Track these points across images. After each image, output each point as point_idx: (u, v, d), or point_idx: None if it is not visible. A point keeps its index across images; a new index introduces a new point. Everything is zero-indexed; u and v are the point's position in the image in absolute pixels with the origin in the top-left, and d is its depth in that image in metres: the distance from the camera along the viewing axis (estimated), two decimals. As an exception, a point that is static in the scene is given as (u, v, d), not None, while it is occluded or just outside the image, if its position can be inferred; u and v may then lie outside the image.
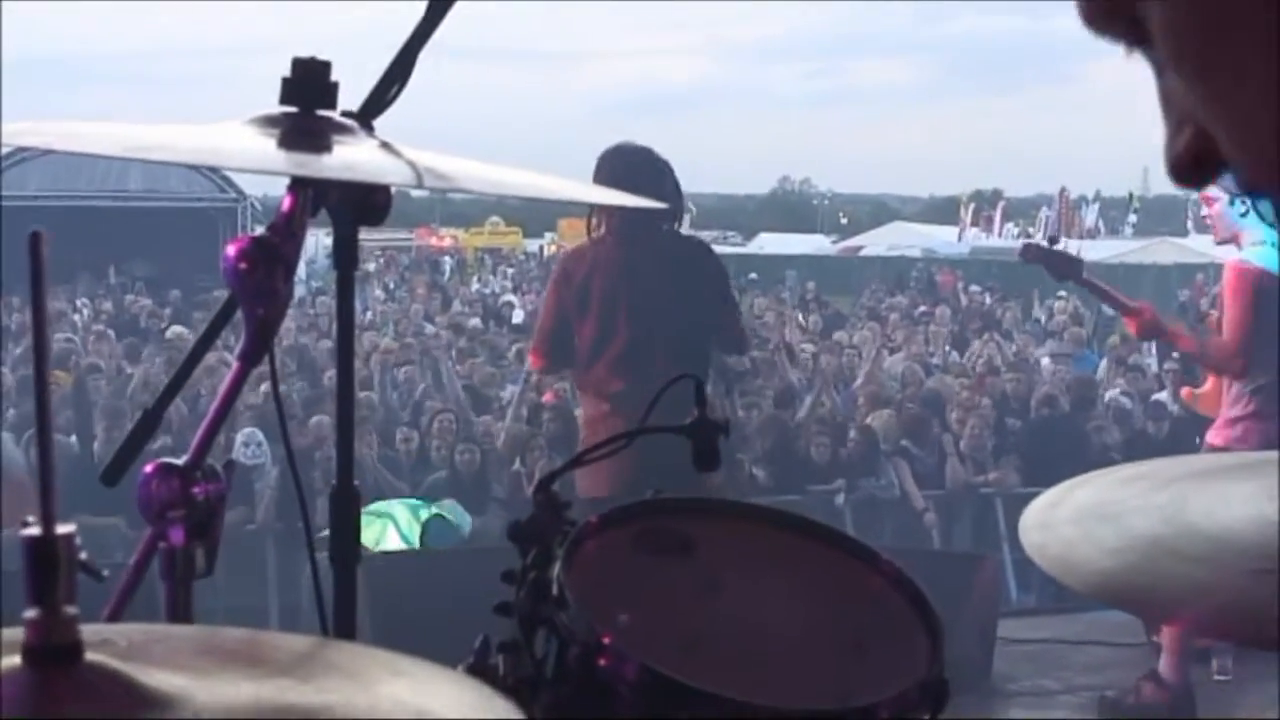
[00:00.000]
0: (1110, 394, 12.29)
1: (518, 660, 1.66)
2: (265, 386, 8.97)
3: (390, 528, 8.36)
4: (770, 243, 50.36)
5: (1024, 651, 6.80)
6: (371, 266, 28.41)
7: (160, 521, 1.58)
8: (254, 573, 8.68)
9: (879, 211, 76.27)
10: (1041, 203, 45.15)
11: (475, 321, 18.41)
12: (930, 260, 36.14)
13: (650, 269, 5.30)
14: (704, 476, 2.00)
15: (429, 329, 17.13)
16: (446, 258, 38.81)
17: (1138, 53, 0.65)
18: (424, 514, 8.57)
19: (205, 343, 2.06)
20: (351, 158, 1.65)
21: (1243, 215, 5.64)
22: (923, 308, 21.92)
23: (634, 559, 1.75)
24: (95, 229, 21.58)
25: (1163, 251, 34.78)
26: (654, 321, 5.20)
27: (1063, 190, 41.77)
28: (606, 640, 1.56)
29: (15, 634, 0.93)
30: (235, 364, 1.66)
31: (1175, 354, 10.72)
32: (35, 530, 0.93)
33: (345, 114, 1.76)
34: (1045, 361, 14.86)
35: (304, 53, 1.71)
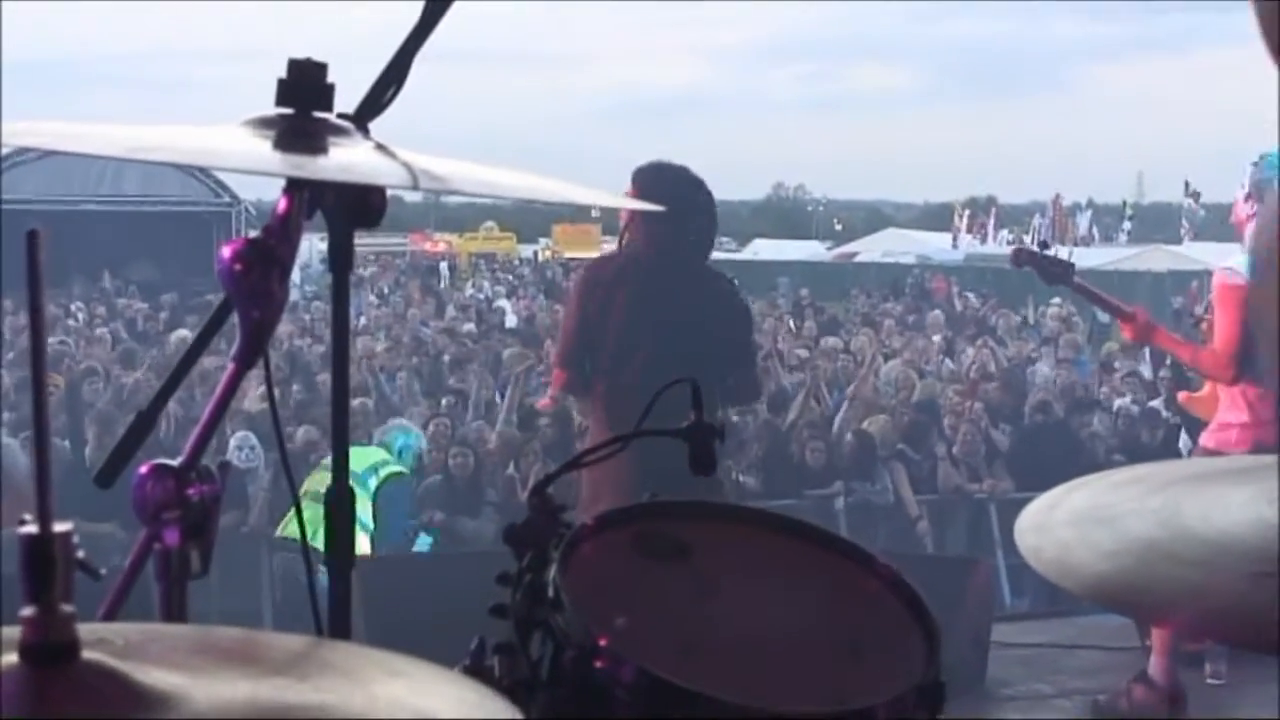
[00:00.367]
0: (1104, 398, 12.30)
1: (513, 662, 1.65)
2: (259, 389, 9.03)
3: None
4: (765, 249, 50.44)
5: (1018, 656, 6.81)
6: (365, 271, 28.42)
7: (155, 522, 1.57)
8: (248, 576, 8.67)
9: (873, 218, 76.41)
10: (1036, 210, 45.26)
11: (469, 326, 18.40)
12: (925, 267, 36.19)
13: (678, 294, 5.08)
14: (695, 481, 1.98)
15: (423, 333, 17.13)
16: (443, 263, 38.82)
17: None
18: (373, 482, 8.45)
19: (200, 345, 2.06)
20: (347, 159, 1.65)
21: None
22: (917, 314, 21.95)
23: (630, 562, 1.75)
24: (90, 233, 21.56)
25: (1157, 258, 34.85)
26: (673, 347, 4.86)
27: (1056, 197, 41.89)
28: (603, 643, 1.56)
29: (12, 632, 0.93)
30: (230, 366, 1.66)
31: (1169, 360, 10.75)
32: (32, 529, 0.93)
33: (341, 116, 1.76)
34: (1039, 367, 14.89)
35: (300, 56, 1.71)
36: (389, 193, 1.92)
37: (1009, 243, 39.26)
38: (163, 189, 24.80)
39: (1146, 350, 15.28)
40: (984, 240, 42.42)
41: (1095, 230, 42.58)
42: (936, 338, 17.30)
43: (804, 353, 15.20)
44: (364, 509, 8.10)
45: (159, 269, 25.09)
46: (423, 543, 8.79)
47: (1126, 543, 1.56)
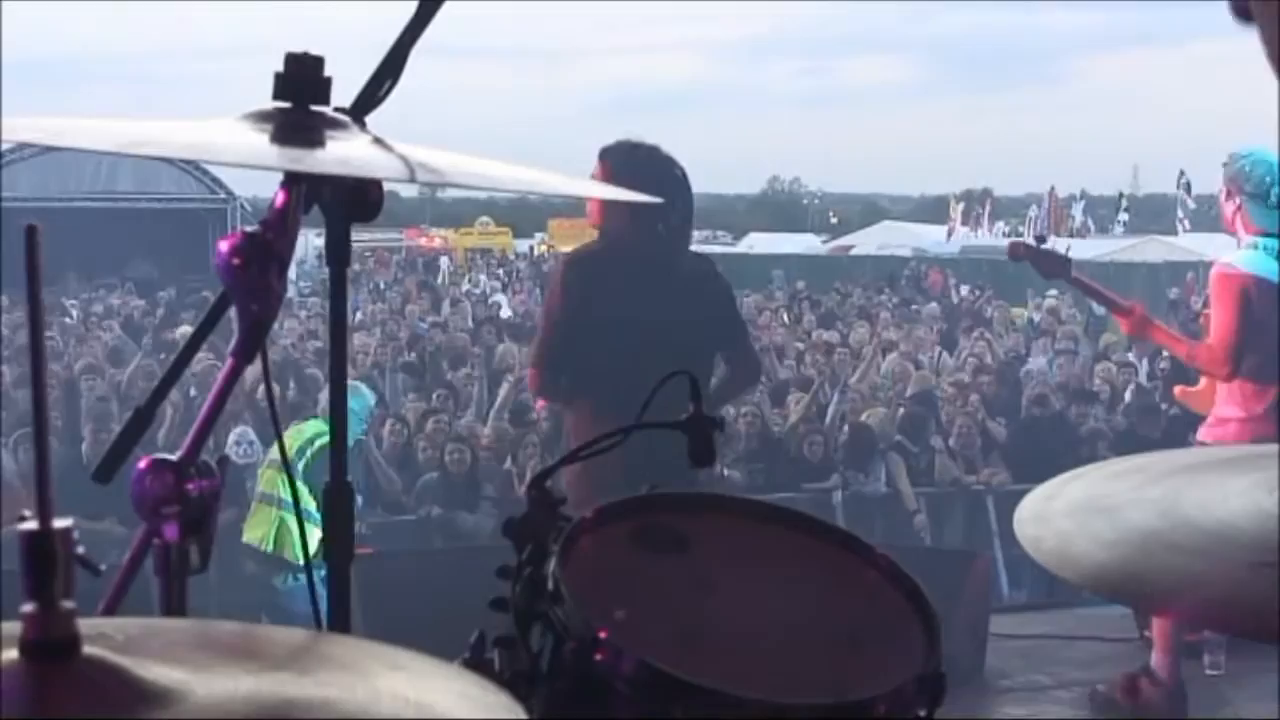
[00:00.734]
0: (1101, 390, 12.30)
1: (513, 655, 1.65)
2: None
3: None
4: (760, 242, 50.42)
5: (1016, 647, 6.82)
6: (357, 266, 28.39)
7: (154, 518, 1.57)
8: (245, 572, 8.67)
9: (869, 211, 76.41)
10: (1031, 202, 45.28)
11: (465, 321, 18.39)
12: (920, 259, 36.20)
13: (664, 282, 4.85)
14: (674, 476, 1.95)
15: (419, 328, 17.12)
16: (444, 258, 38.81)
17: None
18: (302, 465, 8.12)
19: (197, 341, 2.05)
20: (345, 153, 1.65)
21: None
22: (913, 306, 21.97)
23: (629, 554, 1.74)
24: (85, 230, 21.55)
25: (1153, 250, 34.88)
26: (663, 336, 4.62)
27: (1052, 189, 41.89)
28: (603, 635, 1.56)
29: (13, 628, 0.93)
30: (229, 361, 1.65)
31: (1167, 353, 10.75)
32: (32, 525, 0.92)
33: (338, 110, 1.76)
34: (1036, 359, 14.90)
35: (319, 51, 1.70)
36: (385, 187, 1.92)
37: (1005, 235, 39.31)
38: (158, 185, 24.82)
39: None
40: (979, 232, 42.45)
41: (1090, 222, 42.61)
42: (933, 330, 17.31)
43: (800, 345, 15.22)
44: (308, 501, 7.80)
45: (155, 265, 25.09)
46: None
47: (1126, 533, 1.56)
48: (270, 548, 8.43)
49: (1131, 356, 13.90)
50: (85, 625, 0.96)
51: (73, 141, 1.52)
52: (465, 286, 28.74)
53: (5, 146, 21.36)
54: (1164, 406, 11.39)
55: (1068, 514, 1.64)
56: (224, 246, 1.61)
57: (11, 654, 0.92)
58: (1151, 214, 54.55)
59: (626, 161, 4.89)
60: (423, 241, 50.29)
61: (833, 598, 1.77)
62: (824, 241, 50.53)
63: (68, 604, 0.93)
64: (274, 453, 8.40)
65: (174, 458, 1.60)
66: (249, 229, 1.63)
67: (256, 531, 8.55)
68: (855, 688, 1.59)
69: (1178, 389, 6.84)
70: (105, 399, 10.66)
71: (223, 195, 25.09)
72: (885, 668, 1.62)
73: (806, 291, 25.51)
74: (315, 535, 2.09)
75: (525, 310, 21.49)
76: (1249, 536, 1.49)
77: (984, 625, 6.64)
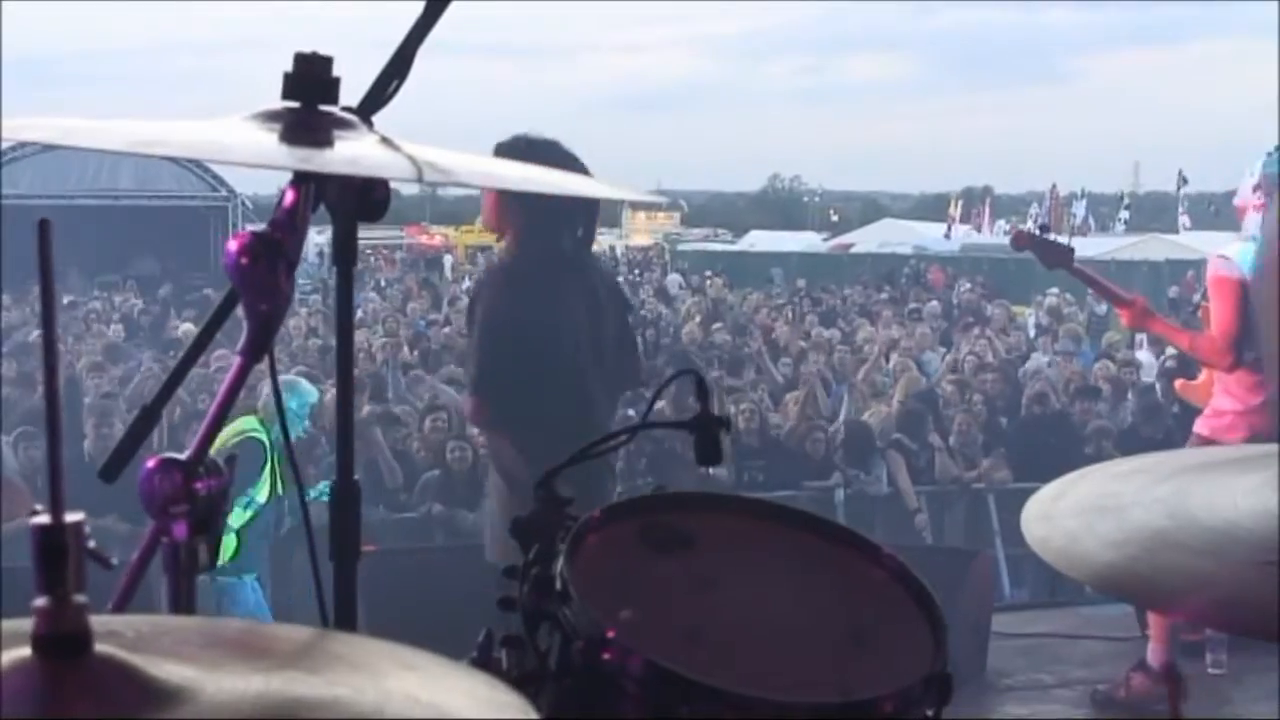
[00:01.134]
0: (1104, 388, 12.28)
1: (521, 655, 1.66)
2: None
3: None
4: (761, 240, 50.42)
5: (1018, 646, 6.82)
6: (359, 265, 28.38)
7: (163, 516, 1.57)
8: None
9: (869, 209, 76.45)
10: (1032, 200, 45.28)
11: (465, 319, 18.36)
12: (921, 257, 36.21)
13: (575, 295, 4.57)
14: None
15: (419, 326, 17.13)
16: (448, 256, 38.81)
17: None
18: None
19: (204, 339, 2.05)
20: (353, 152, 1.65)
21: None
22: (914, 304, 21.96)
23: (637, 554, 1.75)
24: (86, 227, 21.52)
25: (1154, 248, 34.88)
26: (576, 353, 4.52)
27: (1053, 187, 41.90)
28: (610, 634, 1.56)
29: (25, 624, 0.93)
30: (237, 360, 1.65)
31: (1171, 350, 10.75)
32: (44, 519, 0.92)
33: (345, 109, 1.76)
34: (1037, 356, 14.89)
35: (298, 50, 1.70)
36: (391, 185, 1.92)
37: (1005, 233, 39.21)
38: (159, 183, 24.79)
39: (1146, 339, 15.29)
40: (981, 230, 42.46)
41: (1091, 220, 42.60)
42: (933, 328, 17.31)
43: (803, 343, 15.22)
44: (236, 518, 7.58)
45: (156, 263, 25.08)
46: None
47: (1132, 532, 1.56)
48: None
49: (1140, 355, 13.89)
50: (96, 622, 0.96)
51: (81, 141, 1.52)
52: (466, 284, 28.73)
53: (6, 144, 21.35)
54: (1165, 403, 11.40)
55: (1075, 513, 1.65)
56: (233, 245, 1.61)
57: (23, 649, 0.92)
58: (1152, 211, 54.54)
59: (523, 159, 4.08)
60: (423, 239, 50.30)
61: (839, 597, 1.77)
62: (825, 239, 50.53)
63: (80, 598, 0.93)
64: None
65: (182, 457, 1.60)
66: (258, 228, 1.63)
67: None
68: (862, 687, 1.59)
69: (1178, 383, 6.85)
70: (108, 396, 10.66)
71: (224, 193, 25.07)
72: (892, 667, 1.62)
73: (807, 289, 25.52)
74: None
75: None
76: (1255, 536, 1.50)
77: (986, 624, 6.64)
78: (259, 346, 1.65)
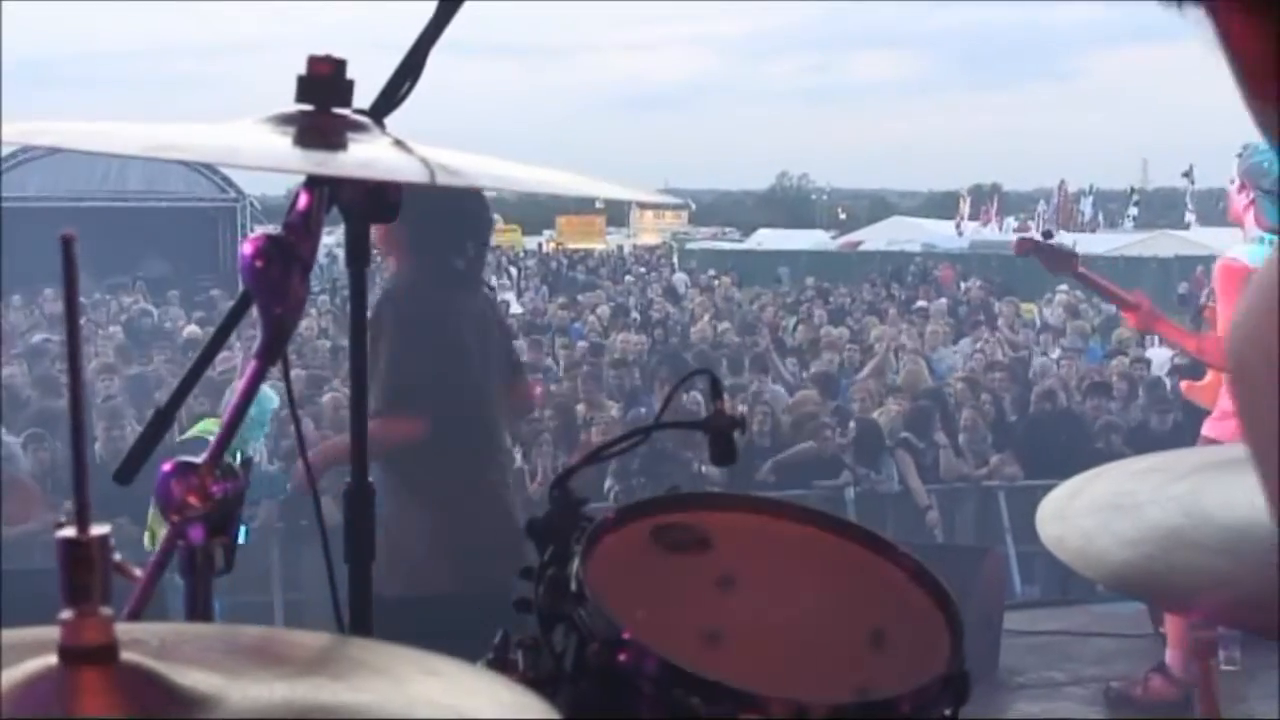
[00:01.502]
0: (1115, 385, 12.27)
1: (537, 656, 1.66)
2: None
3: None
4: (769, 239, 50.41)
5: (1029, 644, 6.82)
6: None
7: (180, 520, 1.58)
8: (258, 571, 8.69)
9: (878, 207, 76.47)
10: (1041, 196, 45.25)
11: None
12: (930, 255, 36.18)
13: (462, 313, 4.45)
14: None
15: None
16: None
17: None
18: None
19: (217, 342, 2.06)
20: (367, 155, 1.65)
21: None
22: (922, 302, 21.95)
23: (652, 554, 1.75)
24: (95, 229, 21.55)
25: (1163, 244, 34.82)
26: (473, 373, 4.40)
27: (1061, 183, 41.86)
28: (626, 635, 1.56)
29: (50, 632, 0.93)
30: (252, 363, 1.66)
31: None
32: (70, 531, 0.93)
33: (358, 112, 1.76)
34: (1047, 355, 14.88)
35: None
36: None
37: (1015, 230, 39.21)
38: (167, 185, 24.84)
39: (1157, 337, 15.26)
40: (990, 228, 42.42)
41: (1100, 216, 42.57)
42: (942, 326, 17.29)
43: (813, 342, 15.22)
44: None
45: (164, 265, 25.12)
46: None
47: (1148, 530, 1.56)
48: (152, 546, 8.38)
49: (1150, 354, 13.86)
50: (119, 630, 0.96)
51: (95, 145, 1.53)
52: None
53: (14, 147, 21.38)
54: (1175, 400, 11.39)
55: (1090, 512, 1.64)
56: (247, 249, 1.61)
57: (50, 659, 0.92)
58: (1161, 208, 54.46)
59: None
60: (431, 239, 50.20)
61: (856, 596, 1.77)
62: (833, 237, 50.50)
63: (106, 610, 0.93)
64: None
65: (199, 460, 1.60)
66: (273, 231, 1.64)
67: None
68: (879, 687, 1.59)
69: (1184, 384, 6.83)
70: (117, 398, 10.69)
71: (233, 194, 25.12)
72: (909, 667, 1.62)
73: (816, 287, 25.50)
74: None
75: (534, 308, 21.53)
76: (1272, 534, 1.49)
77: (997, 621, 6.64)
78: (274, 349, 1.66)
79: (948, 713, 1.61)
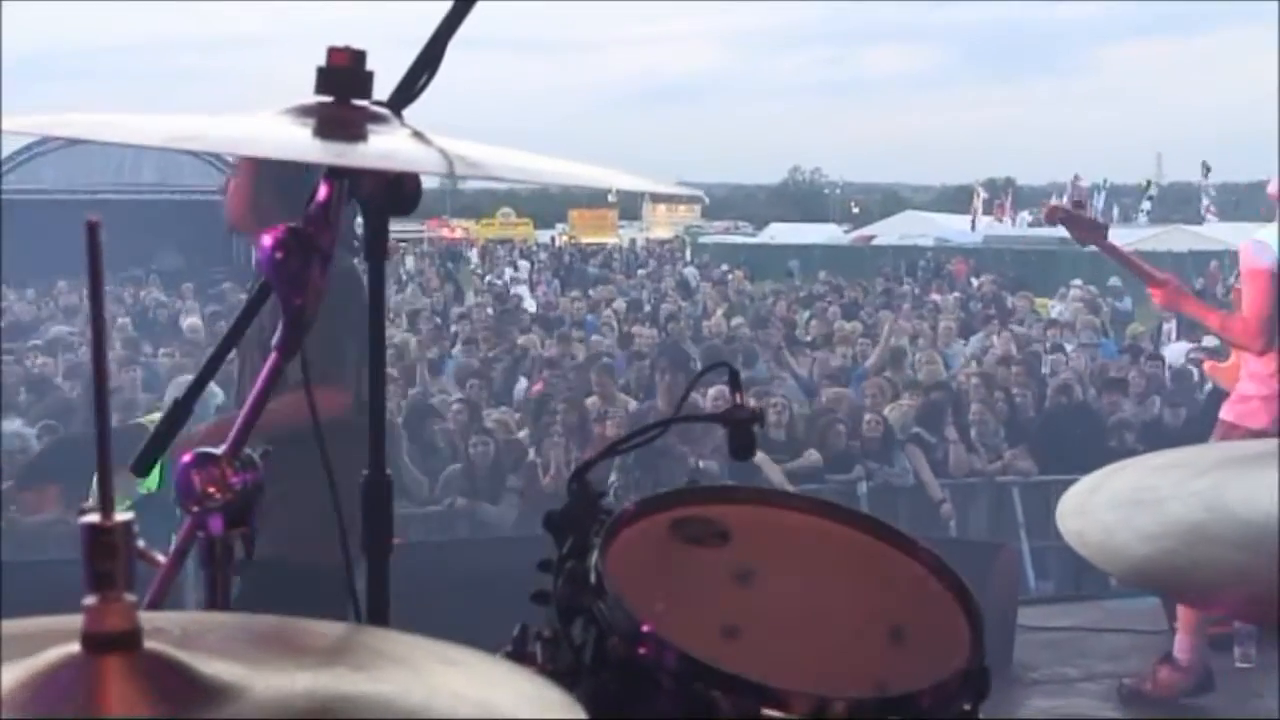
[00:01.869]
0: (1132, 381, 12.23)
1: (556, 649, 1.65)
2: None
3: None
4: (782, 233, 50.39)
5: (1044, 639, 6.79)
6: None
7: (199, 511, 1.58)
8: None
9: (891, 201, 76.35)
10: (1054, 191, 45.11)
11: (487, 311, 18.40)
12: (943, 249, 36.13)
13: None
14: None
15: (440, 320, 17.15)
16: (473, 249, 38.91)
17: None
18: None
19: (236, 334, 2.05)
20: (387, 147, 1.64)
21: None
22: (935, 296, 21.90)
23: (671, 547, 1.74)
24: (108, 222, 21.46)
25: (1177, 238, 34.77)
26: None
27: (1075, 177, 41.78)
28: (646, 629, 1.55)
29: (73, 620, 0.93)
30: (273, 355, 1.66)
31: (1203, 339, 10.71)
32: (94, 518, 0.92)
33: (377, 104, 1.75)
34: (1061, 350, 14.83)
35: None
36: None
37: (1028, 224, 39.12)
38: (180, 178, 24.88)
39: (1173, 331, 15.22)
40: (1004, 222, 42.34)
41: (1115, 210, 42.48)
42: (955, 320, 17.25)
43: (825, 336, 15.20)
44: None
45: (178, 257, 25.16)
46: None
47: (1169, 525, 1.55)
48: None
49: (1165, 352, 13.81)
50: (142, 619, 0.96)
51: (119, 137, 1.53)
52: (488, 278, 28.76)
53: (27, 140, 21.41)
54: (1190, 396, 11.36)
55: (1111, 507, 1.64)
56: (267, 240, 1.61)
57: (72, 647, 0.92)
58: (1175, 202, 54.31)
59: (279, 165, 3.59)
60: (444, 232, 50.42)
61: (876, 591, 1.76)
62: (846, 231, 50.46)
63: (129, 597, 0.93)
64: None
65: (218, 451, 1.60)
66: (292, 223, 1.63)
67: None
68: (899, 681, 1.58)
69: (1207, 364, 6.83)
70: (130, 388, 10.71)
71: (246, 187, 25.10)
72: (929, 662, 1.61)
73: (828, 281, 25.46)
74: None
75: (547, 301, 21.53)
76: (1295, 529, 1.48)
77: (1011, 617, 6.62)
78: (293, 341, 1.65)
79: (967, 708, 1.61)
